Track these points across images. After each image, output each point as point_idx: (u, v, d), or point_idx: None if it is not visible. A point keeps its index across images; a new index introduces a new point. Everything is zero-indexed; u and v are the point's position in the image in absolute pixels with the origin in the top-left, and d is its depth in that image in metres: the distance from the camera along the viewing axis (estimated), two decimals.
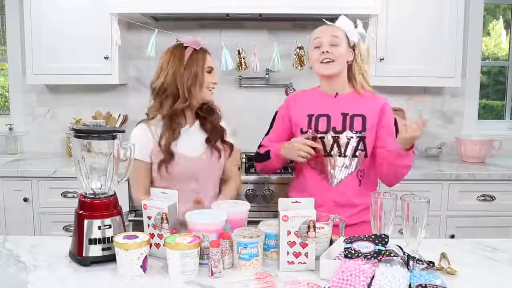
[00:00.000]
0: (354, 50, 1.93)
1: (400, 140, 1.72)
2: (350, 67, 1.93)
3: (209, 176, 1.94)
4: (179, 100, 1.85)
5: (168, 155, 1.85)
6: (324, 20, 1.96)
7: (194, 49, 1.87)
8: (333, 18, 1.96)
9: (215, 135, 1.95)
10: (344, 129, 1.87)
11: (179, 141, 1.88)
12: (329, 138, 1.89)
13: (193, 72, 1.85)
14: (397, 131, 1.83)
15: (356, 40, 1.92)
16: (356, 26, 1.95)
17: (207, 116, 1.95)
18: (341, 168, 1.89)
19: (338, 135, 1.88)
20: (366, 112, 1.89)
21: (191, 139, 1.91)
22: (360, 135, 1.87)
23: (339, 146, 1.88)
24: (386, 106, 1.92)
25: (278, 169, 2.08)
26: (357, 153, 1.87)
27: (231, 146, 2.00)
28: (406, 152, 1.75)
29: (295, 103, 2.01)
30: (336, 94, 1.93)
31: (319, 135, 1.89)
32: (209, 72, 1.89)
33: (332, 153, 1.89)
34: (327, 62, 1.87)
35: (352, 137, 1.87)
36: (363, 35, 1.99)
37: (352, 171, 1.89)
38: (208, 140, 1.92)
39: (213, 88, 1.92)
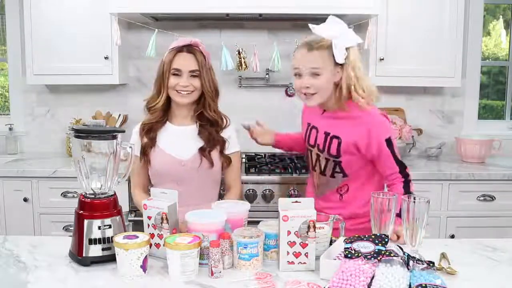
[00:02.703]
0: (342, 65, 1.74)
1: None
2: (337, 84, 1.77)
3: (197, 183, 1.90)
4: (151, 97, 1.92)
5: (149, 139, 1.89)
6: (309, 25, 1.79)
7: (173, 49, 1.86)
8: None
9: (210, 145, 1.90)
10: (324, 149, 1.86)
11: (166, 137, 1.90)
12: (314, 154, 1.92)
13: (161, 73, 1.88)
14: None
15: (342, 61, 1.72)
16: (348, 28, 1.77)
17: (206, 125, 1.92)
18: (322, 184, 1.92)
19: (320, 154, 1.88)
20: (345, 135, 1.79)
21: (181, 140, 1.90)
22: (335, 159, 1.83)
23: (320, 165, 1.90)
24: (371, 132, 1.76)
25: (285, 150, 2.23)
26: (335, 175, 1.87)
27: (228, 161, 1.96)
28: None
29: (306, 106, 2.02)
30: (324, 111, 1.88)
31: (309, 148, 1.94)
32: (176, 74, 1.84)
33: (316, 168, 1.92)
34: (310, 94, 1.78)
35: (328, 159, 1.85)
36: (355, 42, 1.77)
37: (332, 189, 1.90)
38: (202, 149, 1.89)
39: (183, 91, 1.84)
